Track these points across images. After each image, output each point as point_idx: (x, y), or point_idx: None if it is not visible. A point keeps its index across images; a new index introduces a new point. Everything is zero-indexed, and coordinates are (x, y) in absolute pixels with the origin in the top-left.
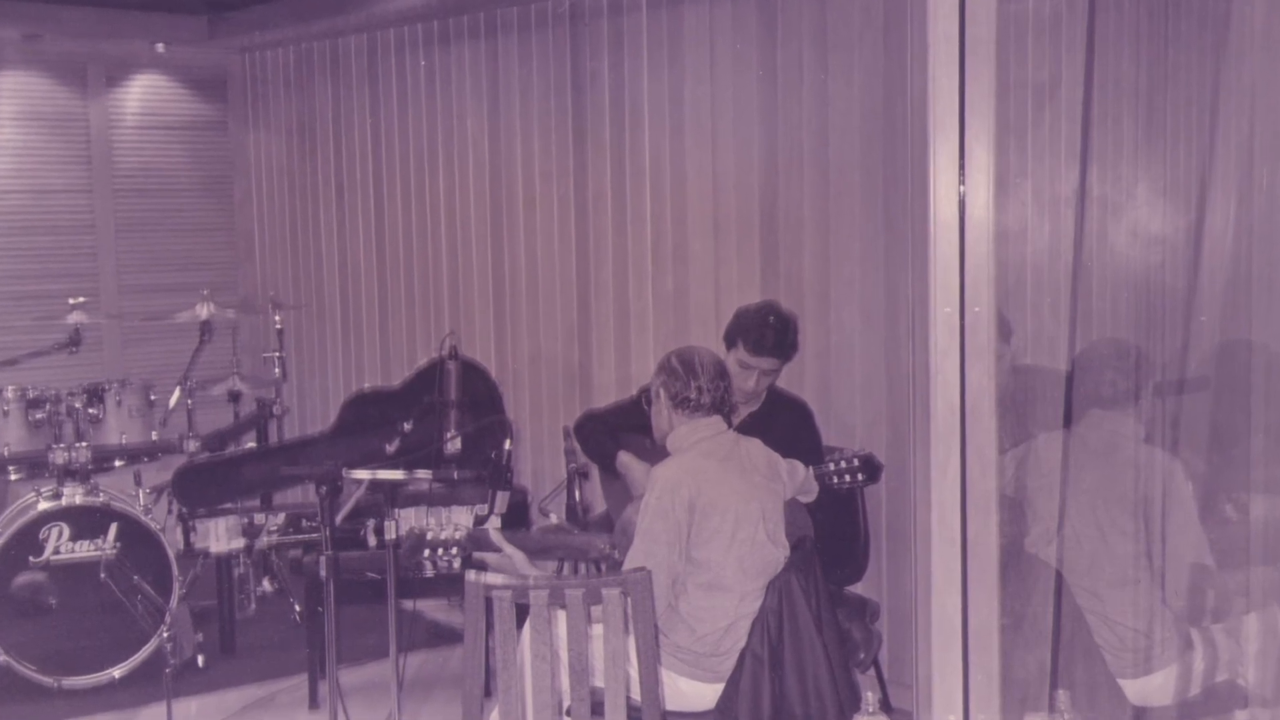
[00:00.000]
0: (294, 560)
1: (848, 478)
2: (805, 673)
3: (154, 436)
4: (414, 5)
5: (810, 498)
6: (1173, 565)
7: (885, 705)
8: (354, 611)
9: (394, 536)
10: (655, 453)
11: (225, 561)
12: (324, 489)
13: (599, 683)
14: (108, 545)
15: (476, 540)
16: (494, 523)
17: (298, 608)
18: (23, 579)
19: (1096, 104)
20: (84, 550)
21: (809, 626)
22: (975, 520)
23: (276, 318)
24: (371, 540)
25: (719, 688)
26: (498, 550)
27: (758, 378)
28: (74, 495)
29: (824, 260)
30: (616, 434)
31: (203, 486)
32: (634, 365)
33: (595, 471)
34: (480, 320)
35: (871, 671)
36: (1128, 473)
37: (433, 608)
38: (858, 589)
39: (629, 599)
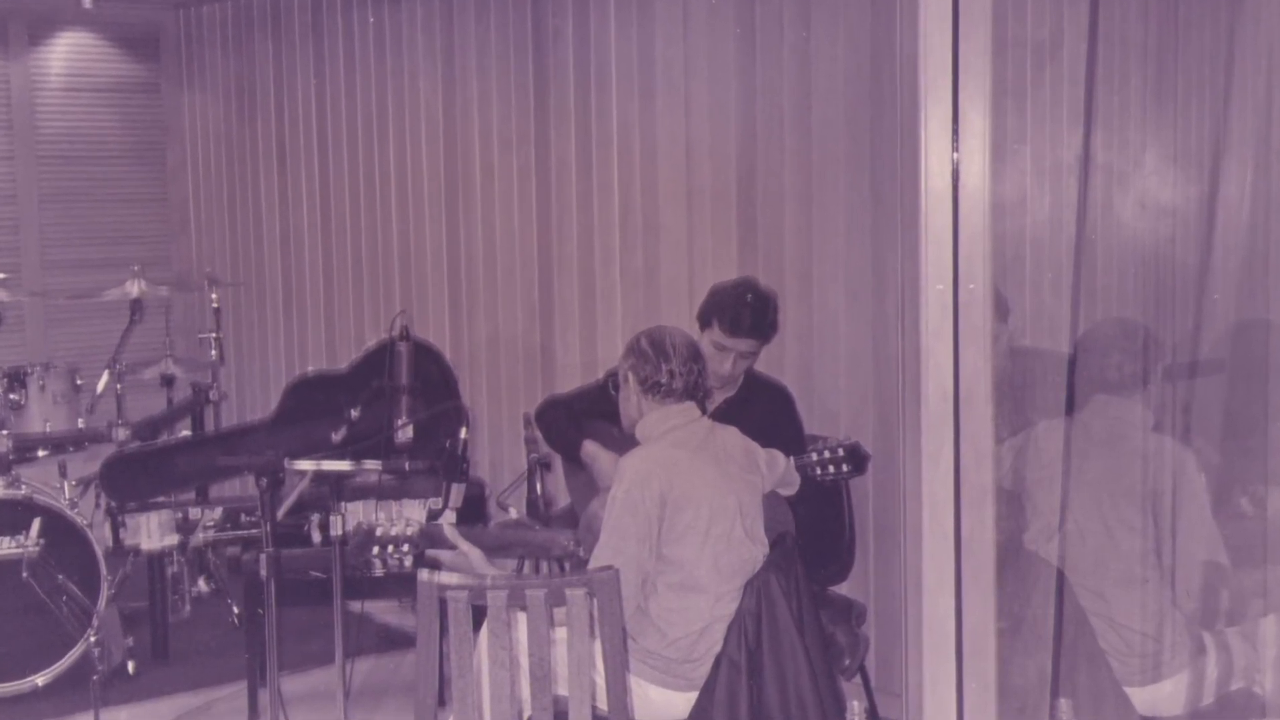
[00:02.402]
0: (232, 558)
1: (831, 469)
2: (786, 680)
3: (80, 424)
4: None
5: (791, 490)
6: (1184, 563)
7: (872, 715)
8: (297, 614)
9: (340, 532)
10: (623, 442)
11: (157, 560)
12: (264, 481)
13: (562, 691)
14: (30, 542)
15: (430, 537)
16: (449, 518)
17: (236, 610)
18: None
19: (1101, 63)
20: (4, 548)
21: (790, 630)
22: (970, 515)
23: (213, 296)
24: (316, 536)
25: (692, 696)
26: (453, 547)
27: (734, 360)
28: None
29: (806, 234)
30: (581, 422)
31: (133, 478)
32: (600, 347)
33: (558, 462)
34: (434, 299)
35: (857, 679)
36: (1135, 463)
37: (382, 610)
38: (842, 589)
39: (595, 600)
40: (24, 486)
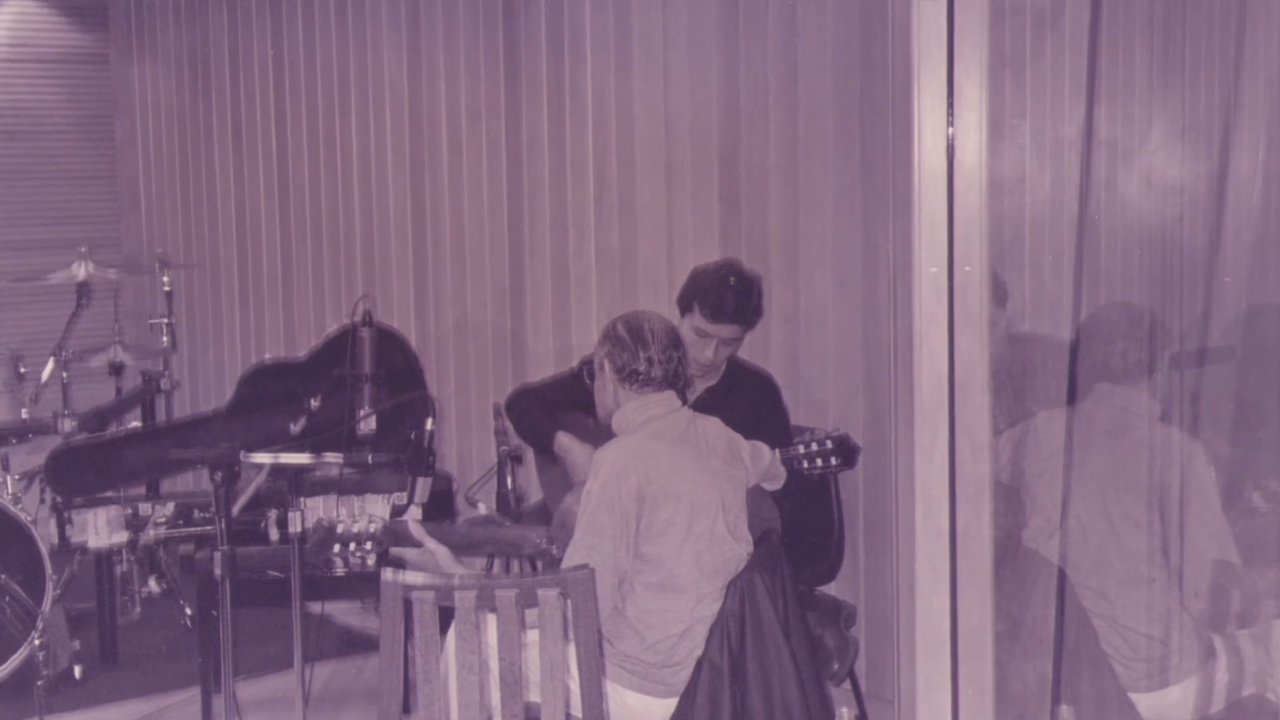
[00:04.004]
0: (185, 557)
1: (819, 462)
2: (771, 686)
3: (24, 415)
4: None
5: (776, 485)
6: (1192, 562)
7: None
8: (253, 615)
9: (299, 529)
10: (599, 433)
11: (106, 558)
12: (219, 475)
13: (534, 697)
14: None
15: (394, 534)
16: (414, 514)
17: (189, 611)
18: None
19: (1105, 33)
20: None
21: (775, 633)
22: (965, 511)
23: (164, 279)
24: (273, 534)
25: (672, 703)
26: (418, 545)
27: (716, 347)
28: None
29: (792, 213)
30: (554, 412)
31: (80, 472)
32: (574, 333)
33: (530, 455)
34: (398, 282)
35: (847, 684)
36: (1141, 456)
37: (344, 611)
38: (831, 590)
39: (568, 601)
40: None
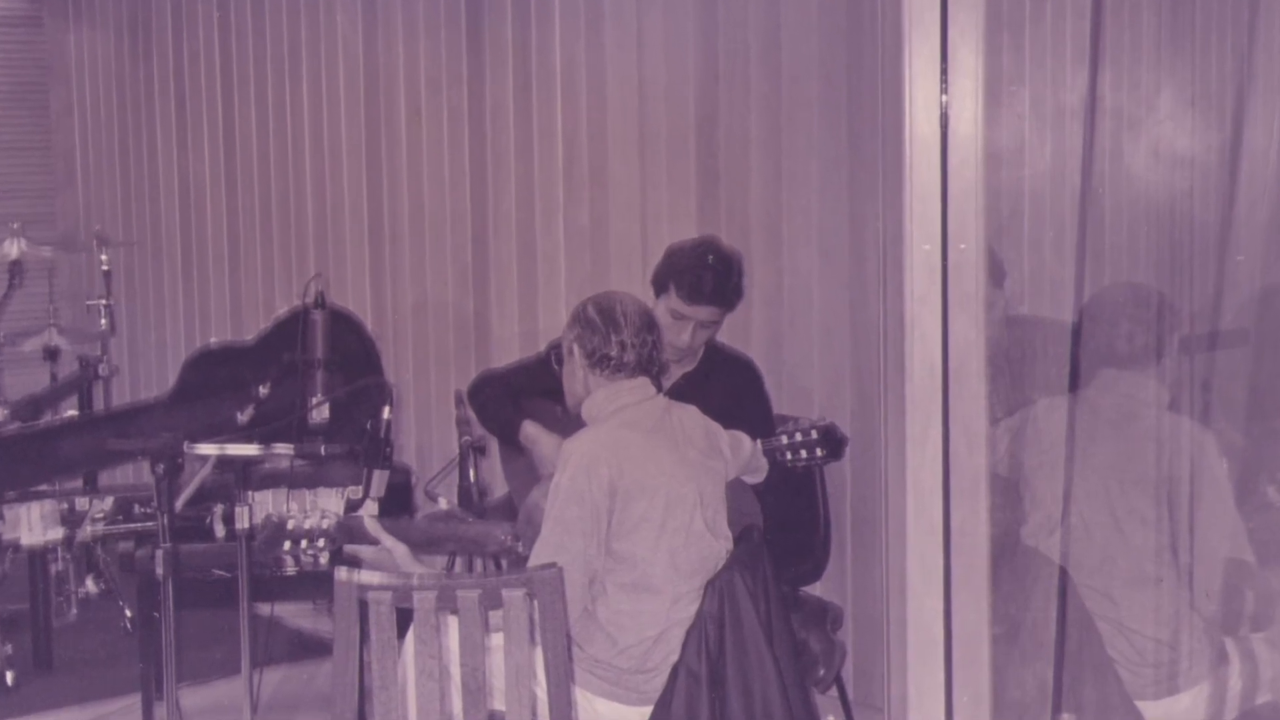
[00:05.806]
0: (124, 555)
1: (804, 453)
2: (752, 692)
3: None
4: None
5: (758, 478)
6: (1203, 561)
7: None
8: (198, 617)
9: (247, 525)
10: (568, 422)
11: (40, 556)
12: (161, 467)
13: (498, 705)
14: None
15: (348, 530)
16: (370, 509)
17: (129, 613)
18: None
19: None
20: None
21: (756, 636)
22: (961, 506)
23: (103, 257)
24: (219, 530)
25: (646, 711)
26: (374, 543)
27: (693, 330)
28: None
29: (774, 187)
30: (520, 400)
31: (12, 464)
32: (541, 316)
33: (494, 446)
34: (353, 261)
35: (833, 691)
36: (1148, 447)
37: (295, 613)
38: (816, 590)
39: (535, 602)
40: None
